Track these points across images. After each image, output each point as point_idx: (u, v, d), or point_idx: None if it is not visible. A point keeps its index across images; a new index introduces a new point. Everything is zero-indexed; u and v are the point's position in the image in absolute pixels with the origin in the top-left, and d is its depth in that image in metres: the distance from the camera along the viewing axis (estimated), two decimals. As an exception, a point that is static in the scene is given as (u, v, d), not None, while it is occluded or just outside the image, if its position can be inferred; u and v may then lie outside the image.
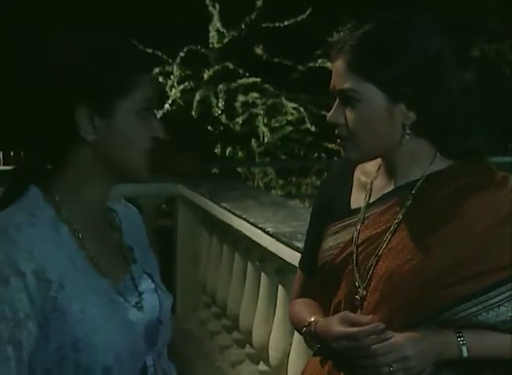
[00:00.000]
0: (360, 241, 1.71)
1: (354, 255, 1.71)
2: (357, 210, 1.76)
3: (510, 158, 9.01)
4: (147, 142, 1.46)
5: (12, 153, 10.92)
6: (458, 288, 1.60)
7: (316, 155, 9.50)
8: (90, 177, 1.46)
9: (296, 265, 3.08)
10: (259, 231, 3.64)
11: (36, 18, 9.29)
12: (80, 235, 1.46)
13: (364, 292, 1.68)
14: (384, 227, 1.69)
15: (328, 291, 1.77)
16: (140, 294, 1.52)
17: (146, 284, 1.55)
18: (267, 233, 3.52)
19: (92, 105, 1.42)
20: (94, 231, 1.49)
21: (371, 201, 1.75)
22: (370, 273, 1.67)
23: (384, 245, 1.67)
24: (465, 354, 1.61)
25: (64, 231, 1.44)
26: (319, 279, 1.80)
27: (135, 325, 1.47)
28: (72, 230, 1.45)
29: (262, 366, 3.88)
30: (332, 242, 1.77)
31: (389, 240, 1.67)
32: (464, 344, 1.61)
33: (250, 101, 9.26)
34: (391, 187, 1.73)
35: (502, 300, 1.60)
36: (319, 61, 8.93)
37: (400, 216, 1.68)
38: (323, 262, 1.78)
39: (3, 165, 10.89)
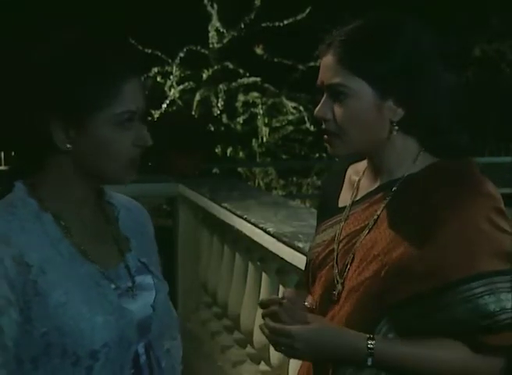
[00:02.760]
0: (341, 238, 1.73)
1: (335, 252, 1.72)
2: (344, 208, 1.78)
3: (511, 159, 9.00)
4: (127, 152, 1.47)
5: (13, 153, 10.92)
6: (410, 286, 1.59)
7: (317, 155, 9.50)
8: (71, 179, 1.49)
9: (297, 265, 3.09)
10: (260, 231, 3.63)
11: (33, 17, 9.27)
12: (64, 224, 1.48)
13: (341, 287, 1.69)
14: (363, 225, 1.71)
15: (313, 286, 1.79)
16: (134, 281, 1.54)
17: (141, 273, 1.57)
18: (268, 233, 3.52)
19: (66, 118, 1.44)
20: (82, 222, 1.52)
21: (356, 199, 1.76)
22: (347, 269, 1.69)
23: (359, 242, 1.69)
24: (369, 363, 1.60)
25: (47, 220, 1.47)
26: (306, 275, 1.83)
27: (125, 311, 1.48)
28: (56, 220, 1.48)
29: (263, 366, 3.87)
30: (318, 240, 1.80)
31: (365, 237, 1.68)
32: (370, 354, 1.59)
33: (251, 101, 9.26)
34: (376, 185, 1.73)
35: (452, 302, 1.56)
36: (319, 60, 8.92)
37: (378, 214, 1.69)
38: (309, 260, 1.81)
39: (4, 165, 10.90)
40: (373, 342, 1.60)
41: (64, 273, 1.43)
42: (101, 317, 1.43)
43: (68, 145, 1.45)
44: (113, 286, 1.49)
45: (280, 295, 1.60)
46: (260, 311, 4.03)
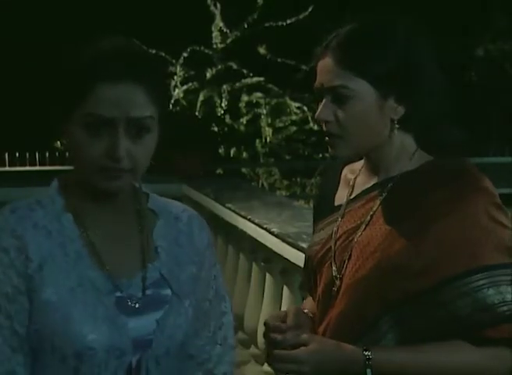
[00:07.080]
0: (338, 235, 1.73)
1: (332, 250, 1.73)
2: (340, 206, 1.78)
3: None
4: (99, 160, 1.42)
5: (17, 154, 10.95)
6: (408, 283, 1.59)
7: (320, 155, 9.50)
8: (80, 177, 1.50)
9: (301, 265, 3.09)
10: (264, 232, 3.64)
11: (33, 18, 9.29)
12: (83, 224, 1.48)
13: (340, 284, 1.69)
14: (359, 222, 1.71)
15: (313, 285, 1.80)
16: (145, 294, 1.50)
17: (158, 286, 1.52)
18: (272, 233, 3.52)
19: (62, 110, 1.46)
20: (104, 226, 1.51)
21: (352, 196, 1.76)
22: (345, 265, 1.69)
23: (356, 239, 1.69)
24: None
25: (66, 220, 1.47)
26: (305, 274, 1.84)
27: (119, 319, 1.46)
28: (76, 219, 1.48)
29: (267, 367, 3.87)
30: (316, 238, 1.81)
31: (361, 233, 1.69)
32: (369, 365, 1.58)
33: (254, 101, 9.27)
34: (372, 183, 1.74)
35: (451, 297, 1.56)
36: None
37: (374, 210, 1.69)
38: (307, 258, 1.82)
39: (8, 166, 10.92)
40: (369, 353, 1.58)
41: (62, 274, 1.43)
42: (91, 321, 1.43)
43: (64, 141, 1.47)
44: (118, 294, 1.47)
45: (283, 304, 1.60)
46: (264, 311, 4.00)
